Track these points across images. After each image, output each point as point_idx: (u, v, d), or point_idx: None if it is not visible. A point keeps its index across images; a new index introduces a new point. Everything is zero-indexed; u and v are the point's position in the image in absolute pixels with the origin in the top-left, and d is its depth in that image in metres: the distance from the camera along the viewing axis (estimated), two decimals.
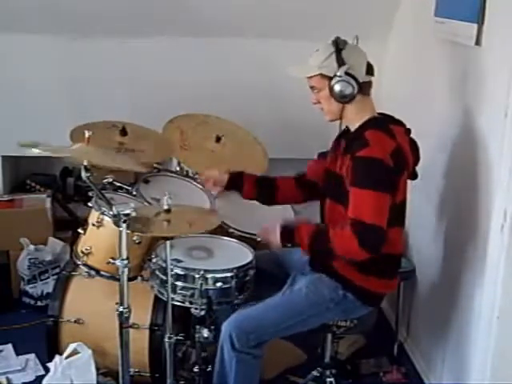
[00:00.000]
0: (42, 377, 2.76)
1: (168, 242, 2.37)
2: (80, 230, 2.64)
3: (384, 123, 2.39)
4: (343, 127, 2.46)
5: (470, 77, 2.67)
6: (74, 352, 2.67)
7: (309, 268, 2.55)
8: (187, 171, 3.20)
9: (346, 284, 2.43)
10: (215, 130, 3.17)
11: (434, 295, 3.05)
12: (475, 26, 2.54)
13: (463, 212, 2.72)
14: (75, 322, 2.79)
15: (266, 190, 2.73)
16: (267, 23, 3.54)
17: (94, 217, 2.58)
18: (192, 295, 2.47)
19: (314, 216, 3.45)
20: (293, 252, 2.71)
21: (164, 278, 2.47)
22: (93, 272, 2.61)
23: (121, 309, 2.22)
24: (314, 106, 2.44)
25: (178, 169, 3.25)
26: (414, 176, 2.53)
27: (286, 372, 3.03)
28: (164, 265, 2.45)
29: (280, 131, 3.74)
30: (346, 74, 2.31)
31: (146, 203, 2.76)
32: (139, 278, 2.63)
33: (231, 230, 2.83)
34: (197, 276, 2.44)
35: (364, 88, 2.36)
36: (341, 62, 2.31)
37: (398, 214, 2.37)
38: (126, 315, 2.23)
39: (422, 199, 3.05)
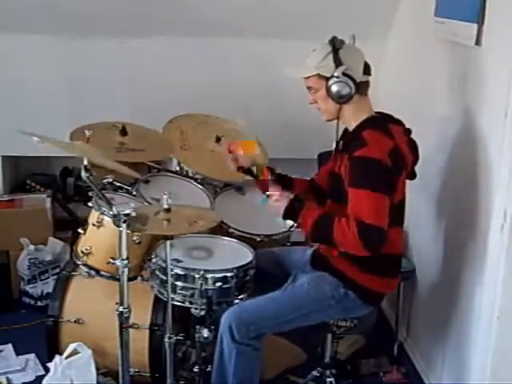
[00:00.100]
0: (42, 377, 2.76)
1: (168, 242, 2.37)
2: (80, 230, 2.65)
3: (382, 123, 2.39)
4: (340, 127, 2.46)
5: (470, 77, 2.67)
6: (74, 352, 2.67)
7: (310, 267, 2.55)
8: (187, 171, 3.20)
9: (348, 282, 2.43)
10: (215, 130, 3.17)
11: (434, 295, 3.05)
12: (475, 26, 2.54)
13: (463, 212, 2.72)
14: (75, 321, 2.79)
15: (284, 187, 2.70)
16: (267, 23, 3.54)
17: (93, 217, 2.58)
18: (192, 295, 2.47)
19: None
20: (293, 251, 2.72)
21: (164, 278, 2.47)
22: (93, 272, 2.61)
23: (121, 309, 2.22)
24: (311, 106, 2.44)
25: (178, 169, 3.25)
26: (412, 176, 2.53)
27: (286, 372, 3.02)
28: (164, 265, 2.45)
29: (280, 131, 3.75)
30: (344, 74, 2.30)
31: (146, 203, 2.77)
32: (139, 277, 2.63)
33: (231, 230, 2.84)
34: (197, 276, 2.44)
35: (361, 88, 2.36)
36: (338, 63, 2.31)
37: (397, 213, 2.37)
38: (126, 315, 2.23)
39: (421, 199, 3.05)
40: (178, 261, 2.50)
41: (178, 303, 2.49)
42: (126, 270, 2.20)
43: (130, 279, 2.26)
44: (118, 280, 2.23)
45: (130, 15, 3.46)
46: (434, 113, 3.06)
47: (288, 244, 3.03)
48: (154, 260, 2.55)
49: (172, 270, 2.44)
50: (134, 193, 2.87)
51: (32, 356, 3.11)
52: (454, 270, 2.78)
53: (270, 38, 3.57)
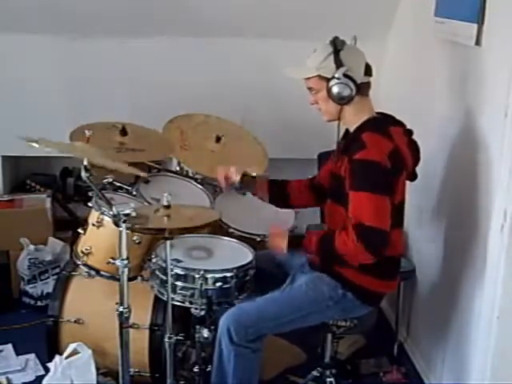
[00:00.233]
0: (42, 377, 2.76)
1: (168, 242, 2.37)
2: (80, 230, 2.65)
3: (381, 124, 2.38)
4: (341, 128, 2.46)
5: (470, 77, 2.67)
6: (74, 352, 2.67)
7: (308, 268, 2.55)
8: (187, 171, 3.20)
9: (346, 283, 2.43)
10: (215, 130, 3.17)
11: (434, 295, 3.05)
12: (475, 26, 2.54)
13: (463, 212, 2.72)
14: (75, 322, 2.79)
15: (278, 193, 2.70)
16: (267, 23, 3.54)
17: (94, 217, 2.58)
18: (192, 295, 2.47)
19: (315, 216, 3.47)
20: (292, 252, 2.71)
21: (164, 278, 2.47)
22: (93, 272, 2.61)
23: (121, 309, 2.22)
24: (312, 107, 2.44)
25: (178, 169, 3.25)
26: (413, 177, 2.53)
27: (286, 372, 3.02)
28: (164, 265, 2.45)
29: (280, 131, 3.75)
30: (344, 75, 2.30)
31: (146, 203, 2.77)
32: (139, 277, 2.63)
33: (231, 230, 2.83)
34: (197, 276, 2.44)
35: (362, 89, 2.36)
36: (339, 64, 2.30)
37: (397, 215, 2.36)
38: (126, 315, 2.23)
39: (421, 199, 3.05)
40: (178, 261, 2.50)
41: (178, 303, 2.49)
42: (126, 269, 2.20)
43: (130, 279, 2.25)
44: (118, 280, 2.23)
45: (130, 15, 3.46)
46: (433, 113, 3.06)
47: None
48: (154, 260, 2.55)
49: (172, 270, 2.44)
50: (134, 193, 2.87)
51: (32, 356, 3.11)
52: (454, 270, 2.78)
53: (269, 37, 3.57)
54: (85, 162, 2.12)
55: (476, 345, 2.57)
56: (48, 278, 3.53)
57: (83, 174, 2.13)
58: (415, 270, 3.20)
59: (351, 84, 2.31)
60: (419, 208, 3.08)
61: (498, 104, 2.38)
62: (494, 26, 2.47)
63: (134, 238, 2.49)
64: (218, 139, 3.12)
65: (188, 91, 3.57)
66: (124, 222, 2.13)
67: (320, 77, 2.34)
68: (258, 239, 2.83)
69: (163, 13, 3.46)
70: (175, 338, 2.51)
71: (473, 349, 2.60)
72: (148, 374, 2.80)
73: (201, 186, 3.10)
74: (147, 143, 2.86)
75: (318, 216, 3.45)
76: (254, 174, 2.67)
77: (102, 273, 2.59)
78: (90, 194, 2.61)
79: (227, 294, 2.48)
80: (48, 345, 2.82)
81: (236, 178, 2.62)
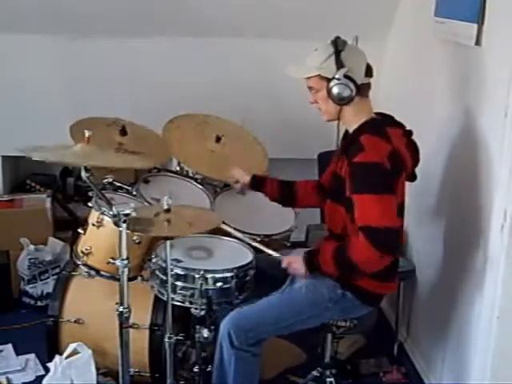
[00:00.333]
0: (42, 377, 2.76)
1: (168, 242, 2.37)
2: (80, 230, 2.65)
3: (380, 126, 2.37)
4: (341, 128, 2.46)
5: (470, 77, 2.67)
6: (74, 352, 2.67)
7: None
8: (187, 171, 3.20)
9: (345, 283, 2.42)
10: (215, 130, 3.17)
11: (434, 295, 3.05)
12: (475, 26, 2.54)
13: (463, 212, 2.72)
14: (75, 322, 2.79)
15: (288, 194, 2.73)
16: (267, 23, 3.54)
17: (94, 217, 2.58)
18: (192, 295, 2.47)
19: (315, 216, 3.47)
20: (292, 252, 2.71)
21: (164, 278, 2.47)
22: (93, 272, 2.61)
23: (121, 309, 2.22)
24: (312, 106, 2.44)
25: (178, 169, 3.25)
26: (413, 178, 2.53)
27: (286, 372, 3.02)
28: (164, 265, 2.45)
29: (280, 131, 3.75)
30: (345, 76, 2.29)
31: (146, 203, 2.77)
32: (139, 277, 2.63)
33: (231, 232, 2.83)
34: (197, 276, 2.44)
35: (362, 90, 2.35)
36: (340, 64, 2.30)
37: None
38: (126, 315, 2.23)
39: (421, 199, 3.05)
40: (178, 261, 2.50)
41: (178, 303, 2.49)
42: (126, 269, 2.20)
43: (130, 279, 2.25)
44: (118, 280, 2.22)
45: (130, 15, 3.46)
46: (433, 113, 3.06)
47: (288, 244, 3.03)
48: (154, 260, 2.55)
49: (172, 270, 2.44)
50: (134, 193, 2.87)
51: (32, 356, 3.11)
52: (454, 270, 2.78)
53: (270, 37, 3.57)
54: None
55: (476, 345, 2.57)
56: (48, 277, 3.53)
57: (83, 174, 2.14)
58: (415, 270, 3.20)
59: (351, 85, 2.30)
60: (419, 208, 3.08)
61: (498, 104, 2.38)
62: (494, 26, 2.47)
63: (134, 237, 2.49)
64: (218, 139, 3.12)
65: (188, 91, 3.57)
66: (124, 222, 2.13)
67: (320, 77, 2.34)
68: (258, 239, 2.83)
69: (163, 13, 3.47)
70: (175, 337, 2.51)
71: (473, 349, 2.60)
72: (148, 374, 2.80)
73: (201, 186, 3.10)
74: (146, 146, 2.86)
75: (318, 216, 3.45)
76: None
77: (102, 273, 2.59)
78: (90, 193, 2.60)
79: (227, 294, 2.48)
80: (48, 345, 2.82)
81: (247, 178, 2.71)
